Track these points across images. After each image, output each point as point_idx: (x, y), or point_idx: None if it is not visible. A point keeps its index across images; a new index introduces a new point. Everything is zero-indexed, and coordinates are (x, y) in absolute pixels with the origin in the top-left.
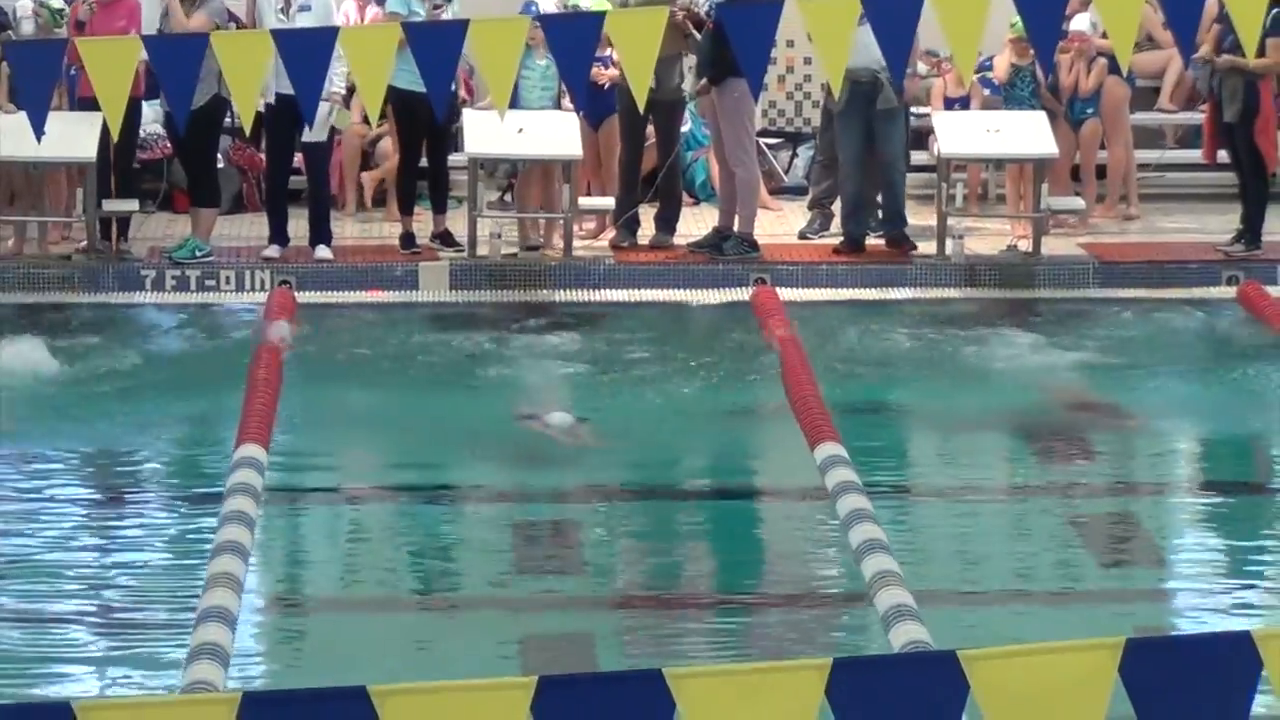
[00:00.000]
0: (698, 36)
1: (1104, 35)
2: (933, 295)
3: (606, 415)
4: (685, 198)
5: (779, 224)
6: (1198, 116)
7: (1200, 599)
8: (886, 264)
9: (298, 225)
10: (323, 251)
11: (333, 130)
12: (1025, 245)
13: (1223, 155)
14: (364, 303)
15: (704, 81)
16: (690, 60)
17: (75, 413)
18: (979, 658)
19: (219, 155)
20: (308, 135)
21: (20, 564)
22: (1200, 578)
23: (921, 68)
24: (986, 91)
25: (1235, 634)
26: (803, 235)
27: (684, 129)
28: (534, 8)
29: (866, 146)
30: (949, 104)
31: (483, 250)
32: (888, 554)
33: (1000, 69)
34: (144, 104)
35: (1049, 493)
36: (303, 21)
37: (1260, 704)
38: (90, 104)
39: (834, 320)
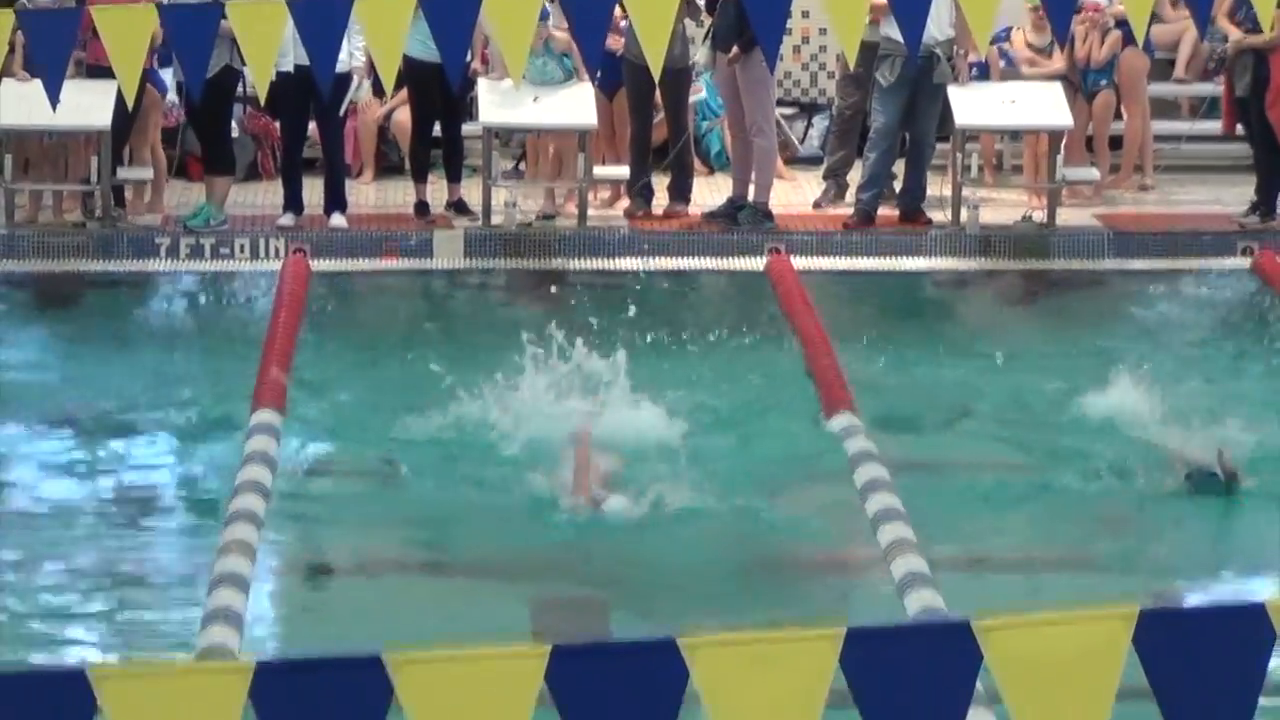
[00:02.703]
0: (699, 4)
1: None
2: (947, 265)
3: (621, 379)
4: (700, 167)
5: (794, 194)
6: (1213, 88)
7: (1214, 570)
8: (901, 234)
9: (312, 193)
10: (337, 219)
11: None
12: (1040, 216)
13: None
14: (379, 270)
15: (735, 51)
16: (691, 29)
17: (90, 380)
18: (993, 627)
19: (234, 123)
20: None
21: (34, 531)
22: (1214, 548)
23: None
24: (1003, 63)
25: (1249, 604)
26: (817, 205)
27: (699, 98)
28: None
29: (902, 120)
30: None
31: (497, 219)
32: (903, 522)
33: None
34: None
35: (1063, 462)
36: None
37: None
38: (101, 72)
39: (849, 289)
